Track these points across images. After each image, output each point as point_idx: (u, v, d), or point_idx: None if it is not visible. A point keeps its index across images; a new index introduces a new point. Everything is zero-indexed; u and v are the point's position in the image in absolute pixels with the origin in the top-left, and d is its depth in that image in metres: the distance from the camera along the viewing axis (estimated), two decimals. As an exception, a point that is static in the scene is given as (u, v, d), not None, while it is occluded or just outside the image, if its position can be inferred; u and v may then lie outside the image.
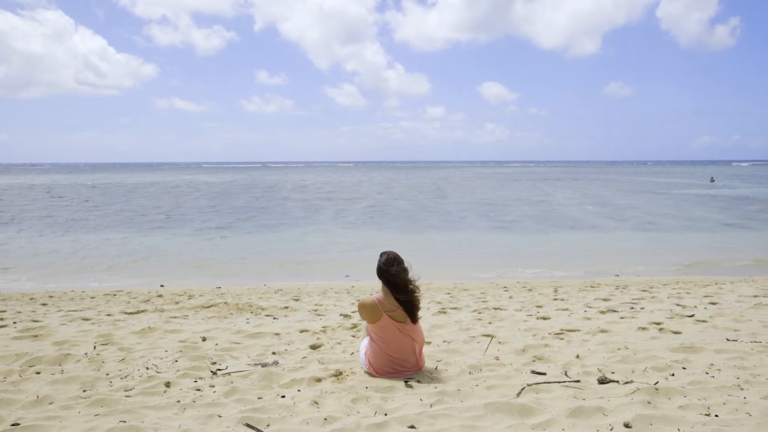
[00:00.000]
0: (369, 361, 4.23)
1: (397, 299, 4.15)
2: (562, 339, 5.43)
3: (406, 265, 4.23)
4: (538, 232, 20.94)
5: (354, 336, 5.70)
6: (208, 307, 8.32)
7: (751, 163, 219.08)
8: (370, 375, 4.20)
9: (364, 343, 4.40)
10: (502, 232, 20.85)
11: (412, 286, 4.19)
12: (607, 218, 25.03)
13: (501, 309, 7.67)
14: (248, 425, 3.07)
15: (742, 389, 3.60)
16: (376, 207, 31.32)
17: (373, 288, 10.39)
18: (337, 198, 38.83)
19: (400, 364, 4.17)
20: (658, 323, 6.11)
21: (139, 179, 73.28)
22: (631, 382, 3.82)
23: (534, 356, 4.72)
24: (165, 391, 3.81)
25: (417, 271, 4.37)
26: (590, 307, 7.63)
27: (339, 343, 5.38)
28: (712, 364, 4.28)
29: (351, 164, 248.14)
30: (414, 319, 4.19)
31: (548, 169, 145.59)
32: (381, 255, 4.28)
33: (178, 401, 3.56)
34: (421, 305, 4.33)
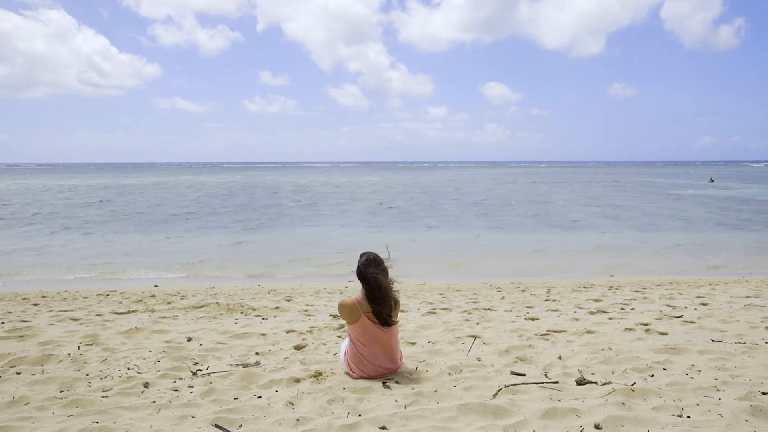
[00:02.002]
0: (348, 362, 4.22)
1: (370, 303, 4.13)
2: (547, 340, 5.42)
3: (386, 266, 4.22)
4: (535, 232, 20.94)
5: (340, 336, 5.69)
6: (200, 307, 8.32)
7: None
8: (350, 376, 4.20)
9: (344, 344, 4.39)
10: (499, 233, 20.84)
11: (390, 292, 4.17)
12: (605, 218, 25.01)
13: (491, 310, 7.66)
14: (217, 426, 3.07)
15: (718, 390, 3.59)
16: (375, 207, 31.32)
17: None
18: (336, 198, 38.84)
19: (378, 365, 4.16)
20: (646, 324, 6.10)
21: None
22: (609, 383, 3.81)
23: (517, 357, 4.71)
24: (143, 392, 3.81)
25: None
26: (580, 308, 7.61)
27: (324, 344, 5.37)
28: (693, 365, 4.26)
29: (351, 165, 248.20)
30: (388, 322, 4.16)
31: (549, 169, 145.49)
32: (361, 256, 4.27)
33: (154, 402, 3.56)
34: (399, 307, 4.31)
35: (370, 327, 4.14)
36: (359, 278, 4.23)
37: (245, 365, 4.51)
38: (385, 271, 4.19)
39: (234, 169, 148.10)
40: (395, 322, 4.24)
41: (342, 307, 4.20)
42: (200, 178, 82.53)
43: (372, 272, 4.15)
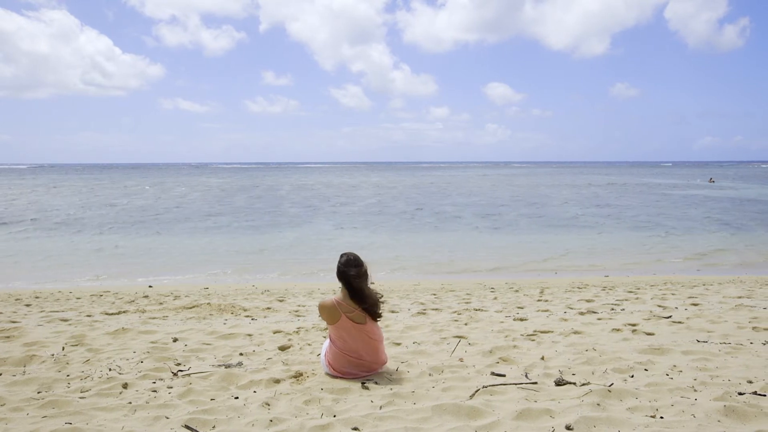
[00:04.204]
0: (329, 362, 4.22)
1: (354, 301, 4.14)
2: (533, 341, 5.41)
3: (365, 267, 4.22)
4: (532, 232, 20.93)
5: (326, 337, 5.69)
6: (191, 308, 8.32)
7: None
8: (331, 376, 4.20)
9: (325, 345, 4.39)
10: (497, 233, 20.82)
11: (369, 291, 4.17)
12: (603, 218, 24.98)
13: (481, 310, 7.64)
14: (187, 427, 3.07)
15: (696, 391, 3.58)
16: (374, 208, 31.34)
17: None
18: (335, 199, 38.85)
19: (358, 365, 4.16)
20: (634, 324, 6.09)
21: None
22: (588, 383, 3.80)
23: (500, 358, 4.70)
24: (121, 393, 3.81)
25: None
26: (571, 309, 7.60)
27: (309, 344, 5.37)
28: (674, 366, 4.25)
29: (354, 165, 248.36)
30: (374, 318, 4.18)
31: (550, 169, 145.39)
32: (341, 256, 4.27)
33: (130, 402, 3.56)
34: (380, 306, 4.30)
35: (350, 327, 4.14)
36: (340, 278, 4.23)
37: (227, 366, 4.51)
38: (365, 271, 4.19)
39: (238, 170, 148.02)
40: (380, 316, 4.26)
41: (322, 307, 4.20)
42: (201, 179, 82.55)
43: (353, 272, 4.15)
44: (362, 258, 4.27)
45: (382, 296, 4.35)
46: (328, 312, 4.17)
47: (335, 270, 4.26)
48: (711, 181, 60.49)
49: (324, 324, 6.36)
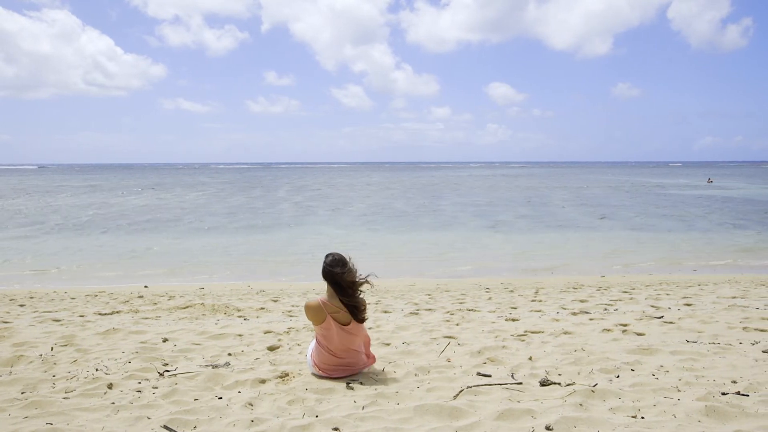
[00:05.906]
0: (315, 363, 4.22)
1: (341, 300, 4.14)
2: (522, 341, 5.41)
3: (351, 266, 4.21)
4: (530, 232, 20.90)
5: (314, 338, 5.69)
6: (185, 308, 8.32)
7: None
8: (317, 376, 4.20)
9: (311, 345, 4.39)
10: (494, 233, 20.80)
11: (358, 289, 4.17)
12: (600, 218, 24.95)
13: (474, 310, 7.64)
14: (166, 427, 3.06)
15: (679, 391, 3.57)
16: (373, 208, 31.33)
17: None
18: (334, 199, 38.84)
19: (344, 365, 4.16)
20: (625, 325, 6.08)
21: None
22: (572, 384, 3.79)
23: (488, 358, 4.69)
24: (105, 393, 3.80)
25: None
26: (564, 309, 7.59)
27: (298, 345, 5.37)
28: (661, 366, 4.24)
29: (355, 165, 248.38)
30: (358, 320, 4.17)
31: (550, 170, 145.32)
32: (326, 256, 4.27)
33: (113, 403, 3.55)
34: (366, 307, 4.30)
35: (335, 327, 4.14)
36: (326, 278, 4.23)
37: (214, 366, 4.51)
38: (350, 271, 4.19)
39: (241, 170, 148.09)
40: (364, 320, 4.25)
41: (308, 308, 4.20)
42: (201, 178, 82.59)
43: (339, 272, 4.15)
44: (354, 258, 4.26)
45: (365, 302, 4.32)
46: (313, 312, 4.17)
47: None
48: (710, 181, 60.43)
49: (315, 324, 6.36)
